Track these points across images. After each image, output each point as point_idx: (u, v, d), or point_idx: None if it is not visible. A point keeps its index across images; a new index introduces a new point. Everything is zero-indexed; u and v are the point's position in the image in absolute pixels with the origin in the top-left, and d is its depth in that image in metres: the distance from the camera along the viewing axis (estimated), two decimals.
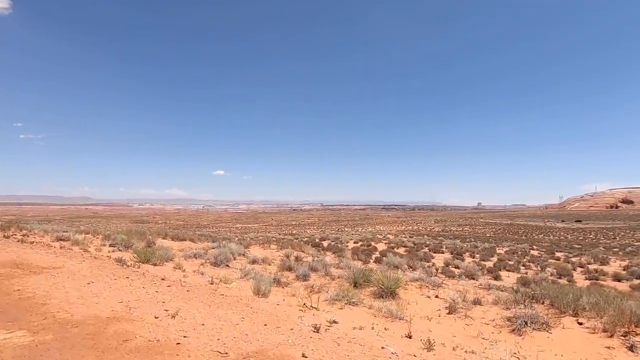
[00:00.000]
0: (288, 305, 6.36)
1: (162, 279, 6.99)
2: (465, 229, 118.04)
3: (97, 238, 17.00)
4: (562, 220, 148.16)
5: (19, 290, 5.09)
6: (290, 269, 12.90)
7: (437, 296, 9.30)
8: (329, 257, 17.35)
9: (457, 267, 23.05)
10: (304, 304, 6.42)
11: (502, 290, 12.84)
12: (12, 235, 12.90)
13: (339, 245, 34.43)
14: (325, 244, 37.72)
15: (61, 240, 14.75)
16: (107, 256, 10.03)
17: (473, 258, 31.10)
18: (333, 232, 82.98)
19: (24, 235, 14.12)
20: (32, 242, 11.03)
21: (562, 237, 78.42)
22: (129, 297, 5.12)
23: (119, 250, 13.70)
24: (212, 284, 7.71)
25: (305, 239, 44.75)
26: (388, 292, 8.38)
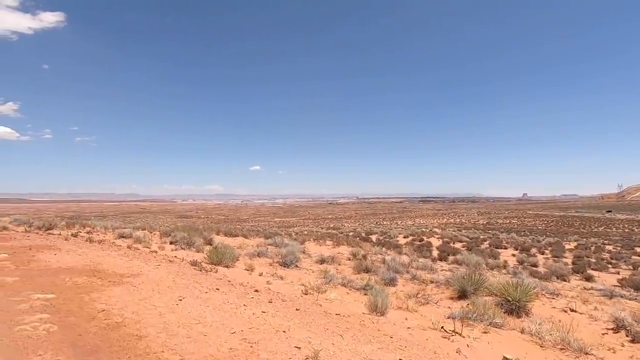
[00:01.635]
0: (421, 329, 4.91)
1: (256, 291, 5.78)
2: (513, 221, 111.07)
3: (154, 234, 16.60)
4: (608, 211, 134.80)
5: (103, 310, 4.02)
6: (367, 270, 11.49)
7: (572, 309, 7.48)
8: (405, 257, 15.72)
9: (534, 265, 20.54)
10: (442, 327, 4.94)
11: (630, 299, 10.62)
12: (78, 233, 12.53)
13: (390, 241, 32.64)
14: (373, 238, 36.04)
15: (122, 237, 14.38)
16: (179, 258, 9.12)
17: (542, 254, 28.09)
18: (373, 225, 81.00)
19: (88, 233, 13.82)
20: (100, 242, 10.42)
21: (629, 230, 70.91)
22: (239, 324, 3.89)
23: (182, 249, 12.99)
24: (306, 294, 6.43)
25: (351, 233, 43.27)
26: (517, 306, 6.70)
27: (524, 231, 60.64)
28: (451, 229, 54.65)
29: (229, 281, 6.74)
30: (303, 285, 7.12)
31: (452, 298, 7.92)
